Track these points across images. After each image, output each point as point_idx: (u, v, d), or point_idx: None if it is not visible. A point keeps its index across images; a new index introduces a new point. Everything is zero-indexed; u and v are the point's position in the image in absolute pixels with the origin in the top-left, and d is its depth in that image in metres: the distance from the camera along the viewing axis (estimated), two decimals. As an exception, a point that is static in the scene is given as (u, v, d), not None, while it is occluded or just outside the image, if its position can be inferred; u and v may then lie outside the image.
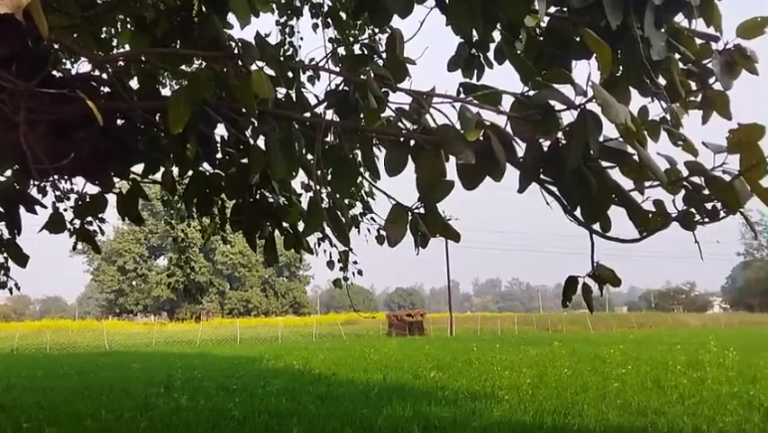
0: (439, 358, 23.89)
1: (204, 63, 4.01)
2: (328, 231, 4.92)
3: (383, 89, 3.40)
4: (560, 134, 2.72)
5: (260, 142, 3.59)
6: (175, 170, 4.36)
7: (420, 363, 21.75)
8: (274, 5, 7.52)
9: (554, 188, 2.88)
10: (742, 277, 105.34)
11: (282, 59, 7.06)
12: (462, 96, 2.86)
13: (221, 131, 3.97)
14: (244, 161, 4.02)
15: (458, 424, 9.80)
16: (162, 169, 4.35)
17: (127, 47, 5.30)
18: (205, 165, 4.27)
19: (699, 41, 3.51)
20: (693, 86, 3.64)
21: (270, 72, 3.57)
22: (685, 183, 2.91)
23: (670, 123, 3.56)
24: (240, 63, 2.89)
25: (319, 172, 3.22)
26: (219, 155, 4.21)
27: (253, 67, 3.18)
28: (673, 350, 23.50)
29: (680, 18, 3.43)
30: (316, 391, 14.46)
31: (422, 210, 3.02)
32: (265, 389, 14.82)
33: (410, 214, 3.00)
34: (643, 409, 11.05)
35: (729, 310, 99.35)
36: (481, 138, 2.61)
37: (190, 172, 4.37)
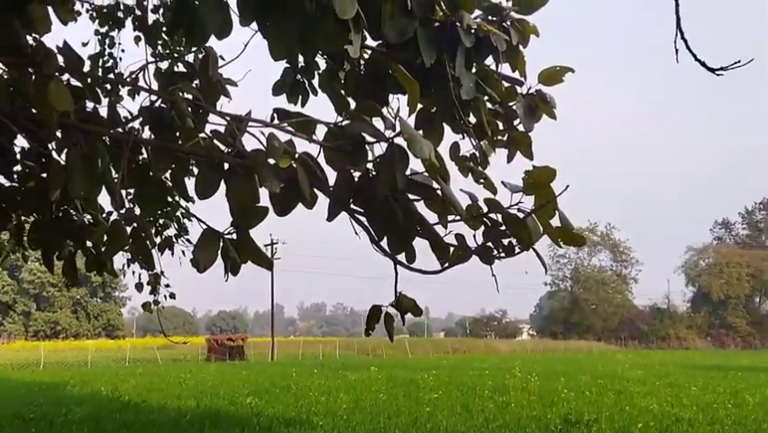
0: (257, 384, 23.50)
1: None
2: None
3: (200, 110, 3.32)
4: (370, 166, 2.78)
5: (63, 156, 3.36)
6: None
7: (237, 388, 21.28)
8: (94, 14, 7.14)
9: (363, 219, 2.93)
10: (548, 306, 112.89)
11: (100, 70, 6.73)
12: (276, 122, 2.84)
13: (23, 142, 3.68)
14: (45, 175, 3.75)
15: (271, 451, 9.64)
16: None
17: None
18: (1, 178, 3.93)
19: (506, 84, 3.73)
20: (500, 126, 3.85)
21: (78, 83, 3.37)
22: (485, 219, 3.06)
23: (479, 159, 3.76)
24: (39, 71, 2.69)
25: (124, 192, 3.08)
26: (18, 168, 3.89)
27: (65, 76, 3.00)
28: (483, 375, 24.65)
29: (489, 61, 3.63)
30: (123, 418, 13.68)
31: (234, 236, 2.96)
32: (66, 417, 13.79)
33: (222, 239, 2.93)
34: (451, 433, 11.46)
35: (536, 337, 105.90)
36: (295, 164, 2.61)
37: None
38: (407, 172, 2.77)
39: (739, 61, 2.65)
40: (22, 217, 4.51)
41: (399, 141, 2.63)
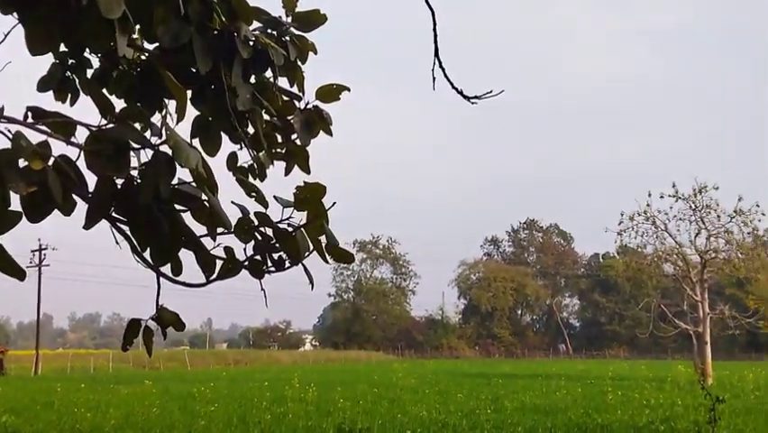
0: (16, 400, 21.59)
1: None
2: None
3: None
4: (135, 173, 2.66)
5: None
6: None
7: (-9, 406, 19.34)
8: None
9: (126, 227, 2.79)
10: (331, 316, 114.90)
11: None
12: (30, 120, 2.63)
13: None
14: None
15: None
16: None
17: None
18: None
19: (284, 98, 3.74)
20: (279, 139, 3.86)
21: None
22: (256, 233, 3.05)
23: (257, 171, 3.73)
24: None
25: None
26: None
27: None
28: (262, 387, 24.51)
29: (268, 74, 3.63)
30: None
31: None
32: None
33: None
34: (225, 447, 11.25)
35: (318, 347, 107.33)
36: (47, 168, 2.43)
37: None
38: (174, 181, 2.69)
39: (491, 91, 2.88)
40: None
41: (166, 148, 2.54)
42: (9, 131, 2.41)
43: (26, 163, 2.43)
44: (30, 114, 2.68)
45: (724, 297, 56.38)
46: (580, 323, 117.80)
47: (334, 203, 2.90)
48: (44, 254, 60.35)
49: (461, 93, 3.02)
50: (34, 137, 2.55)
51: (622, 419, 15.01)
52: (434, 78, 3.01)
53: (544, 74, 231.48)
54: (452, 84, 2.99)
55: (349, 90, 3.77)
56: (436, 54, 3.00)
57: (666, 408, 17.32)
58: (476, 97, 3.03)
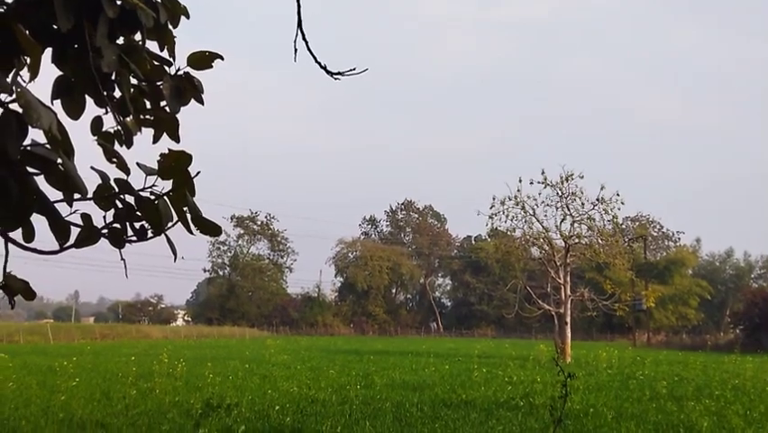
0: None
1: None
2: None
3: None
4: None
5: None
6: None
7: None
8: None
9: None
10: (206, 292, 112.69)
11: None
12: None
13: None
14: None
15: None
16: None
17: None
18: None
19: (154, 63, 3.62)
20: (147, 105, 3.73)
21: None
22: (117, 201, 2.95)
23: (123, 137, 3.59)
24: None
25: None
26: None
27: None
28: (129, 362, 23.73)
29: (138, 37, 3.49)
30: None
31: None
32: None
33: None
34: (84, 422, 10.86)
35: (191, 323, 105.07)
36: None
37: None
38: (27, 142, 2.55)
39: (354, 68, 2.90)
40: None
41: (17, 107, 2.40)
42: None
43: None
44: None
45: (584, 280, 59.72)
46: (452, 302, 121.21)
47: (199, 172, 2.86)
48: None
49: (324, 68, 3.03)
50: None
51: (486, 395, 15.65)
52: (295, 50, 2.99)
53: (422, 49, 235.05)
54: (315, 58, 2.99)
55: (222, 58, 3.69)
56: (299, 25, 2.99)
57: (527, 384, 18.20)
58: (339, 73, 3.04)
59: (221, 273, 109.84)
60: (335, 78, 3.03)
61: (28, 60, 3.03)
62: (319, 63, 2.99)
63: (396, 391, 16.48)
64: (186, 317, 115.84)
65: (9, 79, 2.44)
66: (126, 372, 19.80)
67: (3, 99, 2.40)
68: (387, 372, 22.75)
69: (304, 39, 2.93)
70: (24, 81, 2.61)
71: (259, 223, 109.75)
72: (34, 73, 2.38)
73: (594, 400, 14.94)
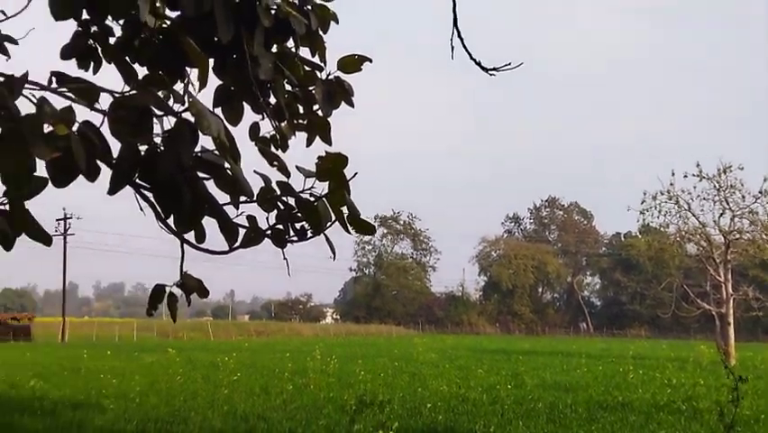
0: (43, 366, 22.05)
1: None
2: None
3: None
4: (159, 140, 2.67)
5: None
6: None
7: (20, 371, 19.78)
8: None
9: (150, 194, 2.82)
10: (352, 291, 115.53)
11: None
12: (54, 86, 2.65)
13: None
14: None
15: (50, 437, 9.09)
16: None
17: None
18: None
19: (306, 68, 3.73)
20: (300, 109, 3.85)
21: None
22: (278, 202, 3.06)
23: (278, 141, 3.73)
24: None
25: None
26: None
27: None
28: (284, 358, 24.72)
29: (290, 44, 3.62)
30: None
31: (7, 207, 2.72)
32: None
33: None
34: (247, 415, 11.41)
35: (339, 321, 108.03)
36: (71, 133, 2.45)
37: None
38: (198, 149, 2.70)
39: (509, 63, 2.85)
40: None
41: (189, 116, 2.55)
42: (34, 96, 2.43)
43: (51, 129, 2.45)
44: (54, 79, 2.71)
45: (748, 278, 55.91)
46: (601, 302, 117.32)
47: (356, 173, 2.89)
48: (69, 223, 61.15)
49: (479, 64, 2.99)
50: (59, 103, 2.58)
51: (643, 398, 14.99)
52: (452, 48, 2.97)
53: (564, 43, 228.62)
54: (470, 55, 2.96)
55: (371, 61, 3.74)
56: (455, 24, 2.97)
57: (688, 387, 17.23)
58: (494, 69, 2.99)
59: (366, 272, 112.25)
60: (490, 74, 2.99)
61: (195, 72, 3.22)
62: (474, 60, 2.96)
63: (548, 392, 16.14)
64: (334, 315, 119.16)
65: (181, 90, 2.57)
66: (282, 368, 20.62)
67: (176, 109, 2.55)
68: (537, 372, 22.33)
69: (459, 36, 2.91)
70: (193, 91, 2.77)
71: (401, 222, 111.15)
72: (203, 83, 2.51)
73: (765, 405, 13.93)
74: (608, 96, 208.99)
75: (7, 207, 2.77)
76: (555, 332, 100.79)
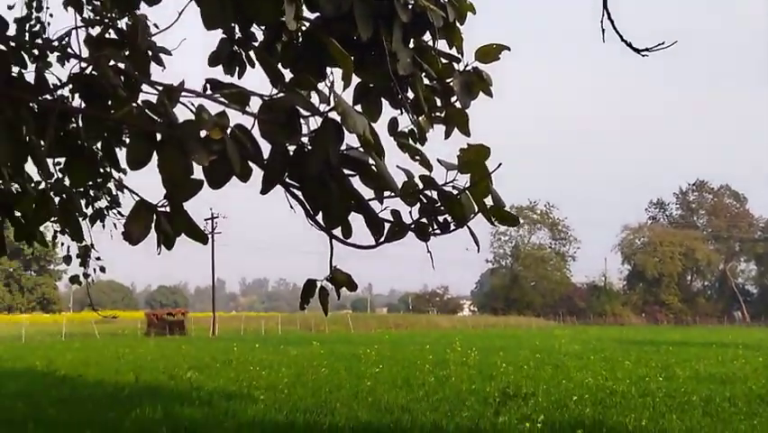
0: (198, 358, 23.36)
1: None
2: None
3: (132, 79, 3.23)
4: (305, 140, 2.75)
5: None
6: None
7: (177, 363, 21.11)
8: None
9: (299, 192, 2.91)
10: (489, 282, 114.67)
11: (27, 35, 6.48)
12: (209, 92, 2.79)
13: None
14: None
15: (210, 425, 9.64)
16: None
17: None
18: None
19: (443, 61, 3.73)
20: (438, 102, 3.85)
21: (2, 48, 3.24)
22: (421, 196, 3.07)
23: (417, 135, 3.76)
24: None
25: (52, 161, 2.98)
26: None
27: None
28: (424, 350, 24.92)
29: (426, 37, 3.63)
30: (59, 393, 13.46)
31: (168, 208, 2.90)
32: (-1, 392, 13.51)
33: (155, 212, 2.87)
34: (391, 407, 11.59)
35: (477, 313, 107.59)
36: (226, 137, 2.57)
37: None
38: (343, 147, 2.76)
39: (663, 43, 2.71)
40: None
41: (334, 115, 2.61)
42: (193, 104, 2.57)
43: (205, 133, 2.59)
44: (208, 85, 2.85)
45: None
46: (758, 289, 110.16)
47: (500, 164, 2.85)
48: (216, 222, 64.42)
49: (629, 45, 2.87)
50: (212, 108, 2.72)
51: (813, 392, 13.93)
52: (602, 31, 2.86)
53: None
54: (621, 36, 2.84)
55: (509, 50, 3.68)
56: (605, 5, 2.86)
57: None
58: (646, 50, 2.86)
59: (503, 264, 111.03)
60: (642, 55, 2.87)
61: (337, 71, 3.29)
62: (625, 41, 2.85)
63: (702, 384, 15.33)
64: (471, 307, 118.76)
65: (323, 90, 2.64)
66: (422, 360, 20.78)
67: (322, 109, 2.61)
68: (689, 363, 21.24)
69: (609, 18, 2.81)
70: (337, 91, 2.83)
71: (538, 212, 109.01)
72: (347, 82, 2.57)
73: None
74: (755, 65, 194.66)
75: (168, 208, 2.95)
76: (707, 322, 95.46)
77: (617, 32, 2.82)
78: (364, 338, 42.54)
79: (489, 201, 3.05)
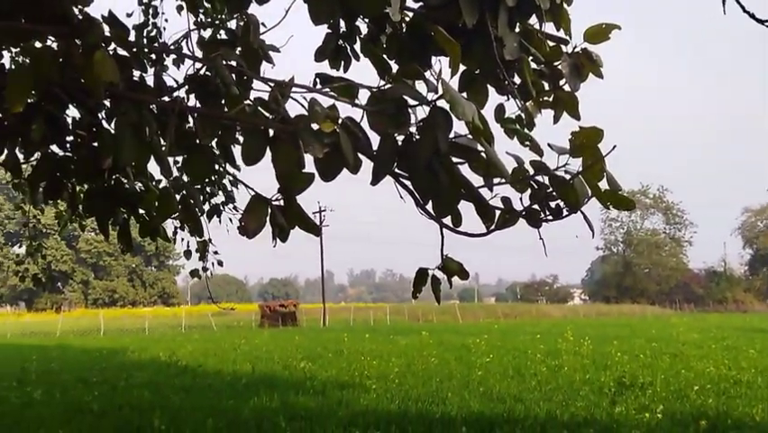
0: (310, 348, 23.91)
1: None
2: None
3: (245, 76, 3.34)
4: (413, 129, 2.76)
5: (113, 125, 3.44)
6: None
7: (290, 353, 21.68)
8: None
9: (408, 182, 2.92)
10: (600, 270, 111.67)
11: (145, 39, 6.81)
12: (319, 86, 2.84)
13: (75, 112, 3.77)
14: (96, 144, 3.84)
15: (324, 414, 9.83)
16: (6, 150, 4.07)
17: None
18: (55, 147, 4.05)
19: (550, 44, 3.64)
20: (546, 86, 3.77)
21: (125, 53, 3.42)
22: (531, 182, 3.02)
23: (524, 121, 3.70)
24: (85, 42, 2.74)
25: (171, 160, 3.12)
26: (70, 138, 4.00)
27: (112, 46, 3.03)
28: (535, 340, 24.57)
29: (533, 21, 3.55)
30: (181, 382, 14.12)
31: (281, 202, 2.98)
32: (127, 381, 14.31)
33: (269, 206, 2.95)
34: (503, 396, 11.49)
35: (588, 302, 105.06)
36: (338, 130, 2.61)
37: (38, 154, 4.12)
38: (451, 135, 2.75)
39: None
40: (77, 186, 4.64)
41: (442, 103, 2.60)
42: (305, 98, 2.62)
43: (317, 127, 2.64)
44: (318, 80, 2.91)
45: None
46: None
47: (614, 146, 2.76)
48: (323, 215, 65.68)
49: (752, 16, 2.71)
50: (322, 102, 2.76)
51: None
52: (723, 3, 2.71)
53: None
54: (743, 7, 2.68)
55: (620, 29, 3.56)
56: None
57: None
58: (773, 20, 2.69)
59: (615, 250, 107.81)
60: (766, 25, 2.70)
61: (442, 59, 3.28)
62: (748, 12, 2.70)
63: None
64: (582, 296, 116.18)
65: (435, 79, 2.63)
66: (533, 349, 20.50)
67: (429, 98, 2.61)
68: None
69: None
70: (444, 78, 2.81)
71: (651, 196, 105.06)
72: (455, 69, 2.56)
73: None
74: None
75: (282, 202, 3.02)
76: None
77: (739, 3, 2.66)
78: (472, 328, 42.36)
79: (602, 185, 2.96)
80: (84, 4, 2.93)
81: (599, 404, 10.42)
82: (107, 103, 3.38)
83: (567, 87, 3.67)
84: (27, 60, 3.25)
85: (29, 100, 3.17)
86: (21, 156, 4.16)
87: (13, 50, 6.34)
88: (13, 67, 5.22)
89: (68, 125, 3.91)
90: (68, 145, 4.05)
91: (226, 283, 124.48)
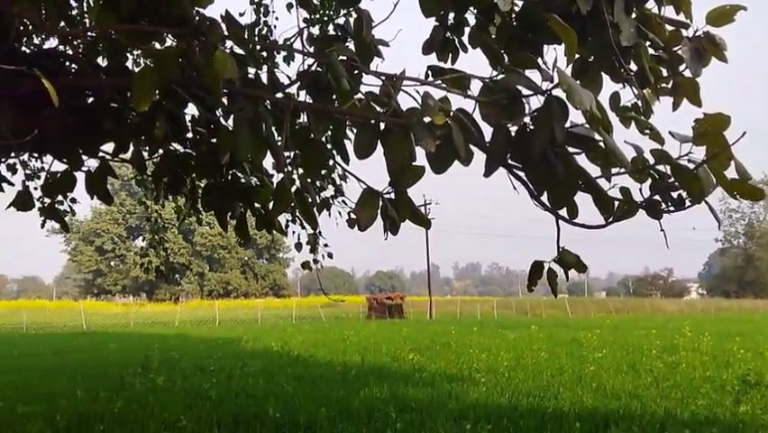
0: (417, 341, 23.98)
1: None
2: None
3: (356, 71, 3.38)
4: (527, 120, 2.71)
5: (230, 122, 3.56)
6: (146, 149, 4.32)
7: (398, 345, 21.81)
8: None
9: (522, 174, 2.88)
10: (719, 263, 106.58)
11: (257, 38, 7.01)
12: (431, 79, 2.84)
13: (192, 110, 3.93)
14: (214, 140, 4.00)
15: (434, 406, 9.84)
16: (132, 148, 4.30)
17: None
18: (176, 144, 4.24)
19: (669, 28, 3.50)
20: (664, 72, 3.63)
21: (241, 51, 3.53)
22: (651, 171, 2.91)
23: (641, 109, 3.56)
24: (205, 41, 2.84)
25: (287, 154, 3.20)
26: (190, 135, 4.17)
27: (229, 45, 3.14)
28: (649, 335, 23.71)
29: (650, 5, 3.42)
30: (294, 372, 14.48)
31: (392, 195, 3.00)
32: (242, 370, 14.81)
33: (381, 198, 2.98)
34: (617, 392, 11.16)
35: (706, 296, 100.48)
36: (449, 122, 2.60)
37: (160, 151, 4.33)
38: (567, 125, 2.69)
39: None
40: (196, 182, 4.84)
41: (557, 92, 2.54)
42: (417, 91, 2.62)
43: (429, 119, 2.63)
44: (429, 72, 2.90)
45: None
46: None
47: (744, 133, 2.61)
48: (428, 209, 65.69)
49: None
50: (433, 94, 2.76)
51: None
52: None
53: None
54: None
55: (745, 9, 3.37)
56: None
57: None
58: None
59: (735, 243, 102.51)
60: None
61: (556, 47, 3.20)
62: None
63: None
64: (699, 291, 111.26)
65: (549, 67, 2.58)
66: (648, 345, 19.78)
67: (544, 87, 2.56)
68: None
69: None
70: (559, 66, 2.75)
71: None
72: (571, 56, 2.50)
73: None
74: None
75: (393, 195, 3.04)
76: None
77: None
78: (583, 323, 41.31)
79: (729, 174, 2.82)
80: (202, 6, 3.04)
81: (722, 403, 9.93)
82: (224, 100, 3.50)
83: (687, 73, 3.51)
84: (150, 62, 3.42)
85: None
86: (145, 153, 4.39)
87: (135, 52, 6.70)
88: (136, 69, 5.50)
89: (187, 123, 4.08)
90: (187, 142, 4.23)
91: (334, 276, 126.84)
